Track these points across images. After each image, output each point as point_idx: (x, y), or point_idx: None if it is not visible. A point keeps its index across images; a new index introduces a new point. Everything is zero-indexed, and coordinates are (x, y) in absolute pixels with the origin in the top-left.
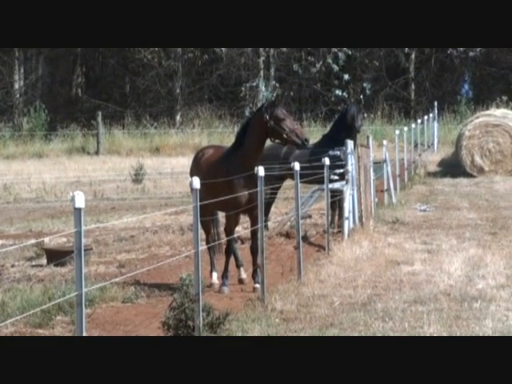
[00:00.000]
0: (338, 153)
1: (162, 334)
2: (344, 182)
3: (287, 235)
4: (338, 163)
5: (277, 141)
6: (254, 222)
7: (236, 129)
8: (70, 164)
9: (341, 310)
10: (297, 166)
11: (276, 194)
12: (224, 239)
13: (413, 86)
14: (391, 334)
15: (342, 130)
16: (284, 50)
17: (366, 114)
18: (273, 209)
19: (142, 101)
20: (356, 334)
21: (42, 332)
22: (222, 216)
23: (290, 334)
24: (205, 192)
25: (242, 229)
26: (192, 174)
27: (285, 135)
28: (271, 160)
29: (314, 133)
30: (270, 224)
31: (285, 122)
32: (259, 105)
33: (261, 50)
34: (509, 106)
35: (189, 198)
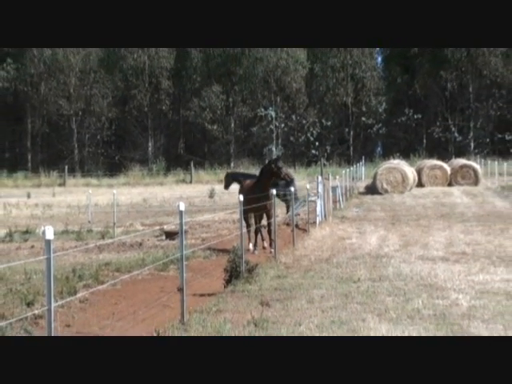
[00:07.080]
0: (308, 185)
1: (224, 275)
2: (317, 197)
3: (287, 224)
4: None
5: (278, 179)
6: (268, 217)
7: (258, 171)
8: (177, 188)
9: (315, 263)
10: (292, 189)
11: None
12: (254, 226)
13: (351, 148)
14: (341, 276)
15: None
16: (286, 129)
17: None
18: (279, 211)
19: (213, 156)
20: (322, 275)
21: (163, 273)
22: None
23: (289, 275)
24: (246, 202)
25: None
26: (240, 192)
27: (282, 175)
28: (283, 187)
29: (301, 173)
30: (278, 219)
31: (281, 169)
32: (269, 159)
33: (274, 129)
34: (400, 157)
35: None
